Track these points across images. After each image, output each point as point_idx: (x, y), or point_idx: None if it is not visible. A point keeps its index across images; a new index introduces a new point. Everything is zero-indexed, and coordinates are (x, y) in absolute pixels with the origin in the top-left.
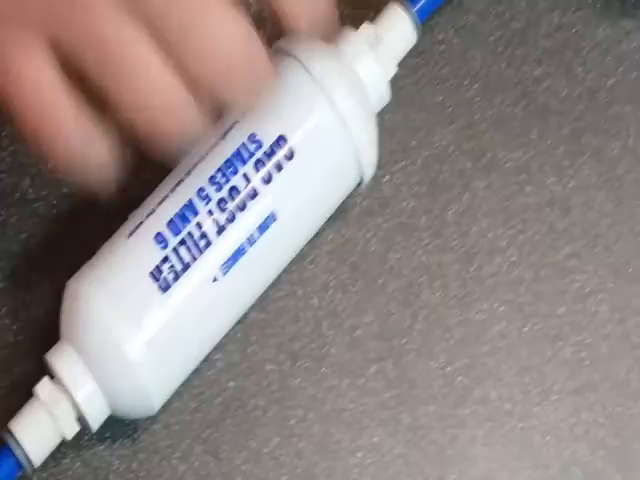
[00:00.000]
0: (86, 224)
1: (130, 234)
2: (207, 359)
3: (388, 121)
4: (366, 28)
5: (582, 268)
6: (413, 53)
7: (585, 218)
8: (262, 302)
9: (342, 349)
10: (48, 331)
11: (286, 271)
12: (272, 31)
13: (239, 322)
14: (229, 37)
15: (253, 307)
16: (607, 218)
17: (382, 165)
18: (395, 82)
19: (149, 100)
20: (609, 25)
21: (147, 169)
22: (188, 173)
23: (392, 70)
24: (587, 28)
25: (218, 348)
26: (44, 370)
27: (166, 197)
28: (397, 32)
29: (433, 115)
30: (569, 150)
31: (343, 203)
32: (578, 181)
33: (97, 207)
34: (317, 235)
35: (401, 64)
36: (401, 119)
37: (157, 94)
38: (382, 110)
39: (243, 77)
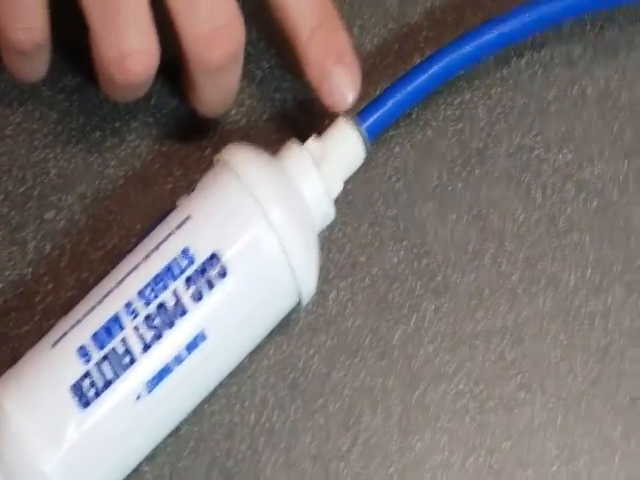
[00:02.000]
0: (17, 320)
1: (54, 344)
2: (136, 470)
3: (337, 234)
4: (312, 143)
5: (531, 401)
6: (367, 166)
7: (537, 349)
8: (197, 415)
9: (277, 469)
10: None
11: (223, 384)
12: None
13: (171, 434)
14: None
15: (187, 420)
16: (560, 350)
17: (329, 280)
18: (346, 195)
19: (121, 60)
20: (571, 150)
21: (85, 267)
22: (118, 284)
23: (338, 188)
24: (548, 152)
25: (148, 460)
26: None
27: (93, 308)
28: (344, 149)
29: (384, 231)
30: (524, 277)
31: (286, 317)
32: (531, 310)
33: (31, 304)
34: (257, 348)
35: (354, 177)
36: (351, 233)
37: (130, 54)
38: (332, 223)
39: (222, 47)
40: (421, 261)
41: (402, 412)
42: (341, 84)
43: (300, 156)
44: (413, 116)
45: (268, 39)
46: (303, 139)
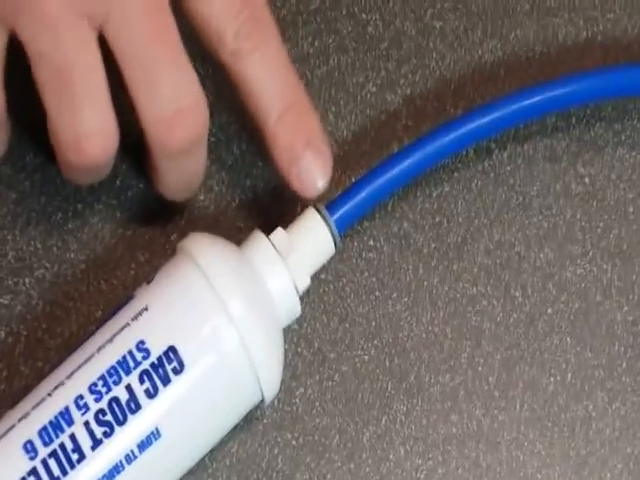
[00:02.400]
0: None
1: (0, 437)
2: None
3: (306, 329)
4: (278, 234)
5: None
6: (338, 258)
7: (513, 457)
8: None
9: None
10: None
11: None
12: None
13: None
14: (184, 93)
15: None
16: (537, 459)
17: (296, 376)
18: (317, 288)
19: (77, 142)
20: (553, 249)
21: (40, 356)
22: (70, 376)
23: (305, 282)
24: (529, 250)
25: None
26: None
27: (43, 400)
28: (313, 242)
29: (355, 327)
30: (501, 380)
31: (250, 413)
32: (508, 415)
33: None
34: (220, 444)
35: (325, 268)
36: (321, 329)
37: (87, 136)
38: (302, 317)
39: (185, 130)
40: (393, 360)
41: None
42: (311, 169)
43: (265, 248)
44: (389, 208)
45: (238, 123)
46: (274, 228)
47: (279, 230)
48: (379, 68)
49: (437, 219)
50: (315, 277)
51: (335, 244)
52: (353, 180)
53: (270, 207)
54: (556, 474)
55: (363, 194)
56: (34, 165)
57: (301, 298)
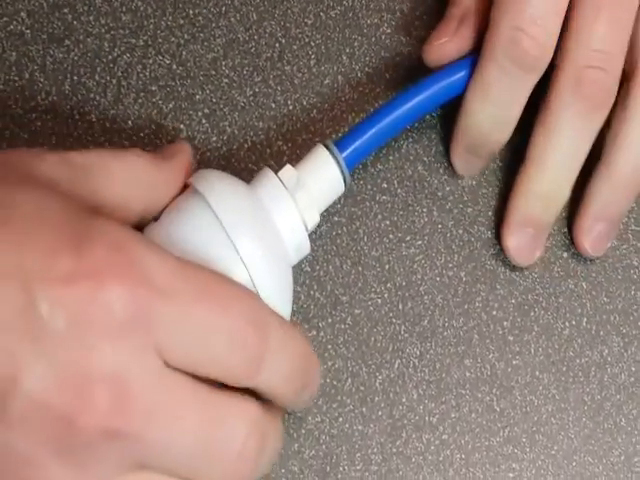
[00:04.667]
0: None
1: None
2: None
3: (319, 272)
4: (287, 171)
5: (519, 456)
6: (352, 201)
7: (527, 401)
8: None
9: None
10: None
11: None
12: None
13: None
14: None
15: None
16: (551, 404)
17: (308, 319)
18: (330, 231)
19: None
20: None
21: None
22: None
23: (314, 219)
24: None
25: None
26: None
27: None
28: (322, 178)
29: (369, 270)
30: (515, 324)
31: None
32: (522, 359)
33: None
34: None
35: (338, 212)
36: (333, 271)
37: None
38: (314, 259)
39: None
40: (406, 303)
41: (382, 461)
42: None
43: (274, 184)
44: (403, 150)
45: (251, 65)
46: None
47: (288, 167)
48: (394, 10)
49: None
50: (328, 220)
51: (344, 181)
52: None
53: (282, 149)
54: (570, 419)
55: (372, 131)
56: (45, 105)
57: (312, 238)
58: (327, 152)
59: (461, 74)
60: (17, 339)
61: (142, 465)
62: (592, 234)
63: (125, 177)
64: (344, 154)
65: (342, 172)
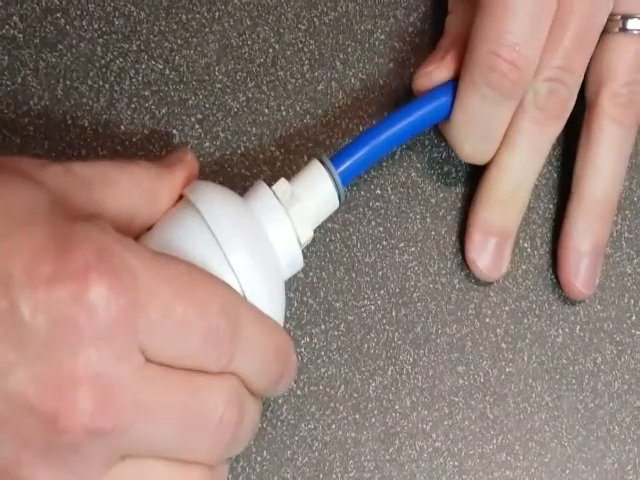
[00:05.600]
0: None
1: None
2: None
3: (312, 278)
4: (282, 185)
5: (512, 464)
6: (345, 208)
7: (520, 409)
8: None
9: None
10: None
11: None
12: None
13: None
14: None
15: None
16: (544, 412)
17: (301, 325)
18: (323, 237)
19: None
20: (563, 200)
21: None
22: None
23: (307, 234)
24: (538, 201)
25: None
26: None
27: None
28: (316, 194)
29: (362, 277)
30: (508, 331)
31: None
32: (516, 367)
33: None
34: None
35: (332, 218)
36: (327, 278)
37: None
38: (308, 266)
39: None
40: (400, 310)
41: (375, 469)
42: None
43: (268, 198)
44: (396, 156)
45: (245, 70)
46: (278, 176)
47: (282, 181)
48: (387, 16)
49: (445, 168)
50: (322, 226)
51: (339, 197)
52: (360, 129)
53: (275, 154)
54: (564, 427)
55: (368, 147)
56: (38, 110)
57: (304, 251)
58: (322, 167)
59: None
60: None
61: (127, 455)
62: (580, 270)
63: (129, 188)
64: (339, 170)
65: (337, 188)
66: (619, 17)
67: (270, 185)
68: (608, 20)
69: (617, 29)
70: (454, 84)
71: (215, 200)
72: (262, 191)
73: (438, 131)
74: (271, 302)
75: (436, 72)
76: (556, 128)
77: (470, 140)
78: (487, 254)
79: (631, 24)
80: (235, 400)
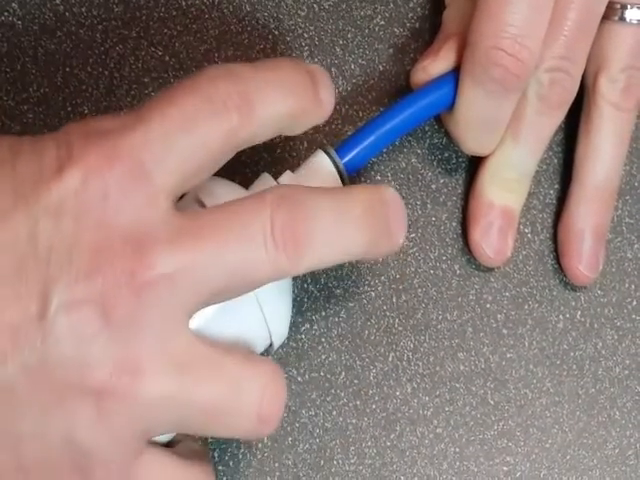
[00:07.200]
0: None
1: None
2: None
3: None
4: (286, 177)
5: (513, 450)
6: None
7: (521, 394)
8: None
9: None
10: None
11: None
12: None
13: None
14: None
15: None
16: (545, 397)
17: (302, 311)
18: None
19: None
20: (563, 185)
21: None
22: None
23: None
24: (539, 186)
25: None
26: None
27: None
28: (321, 184)
29: (362, 264)
30: (509, 317)
31: None
32: (516, 353)
33: None
34: None
35: None
36: None
37: None
38: None
39: None
40: (400, 296)
41: (376, 455)
42: None
43: None
44: (397, 143)
45: (245, 57)
46: (278, 163)
47: (287, 173)
48: (387, 1)
49: (446, 154)
50: None
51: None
52: (360, 114)
53: (275, 142)
54: (565, 412)
55: (373, 137)
56: (37, 97)
57: None
58: (327, 158)
59: None
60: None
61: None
62: (582, 254)
63: None
64: (344, 160)
65: (342, 178)
66: (618, 6)
67: (275, 177)
68: (607, 7)
69: (616, 17)
70: (455, 74)
71: (220, 195)
72: (268, 184)
73: (438, 117)
74: (279, 297)
75: (432, 66)
76: (559, 117)
77: (474, 134)
78: (492, 238)
79: (629, 14)
80: (275, 382)
